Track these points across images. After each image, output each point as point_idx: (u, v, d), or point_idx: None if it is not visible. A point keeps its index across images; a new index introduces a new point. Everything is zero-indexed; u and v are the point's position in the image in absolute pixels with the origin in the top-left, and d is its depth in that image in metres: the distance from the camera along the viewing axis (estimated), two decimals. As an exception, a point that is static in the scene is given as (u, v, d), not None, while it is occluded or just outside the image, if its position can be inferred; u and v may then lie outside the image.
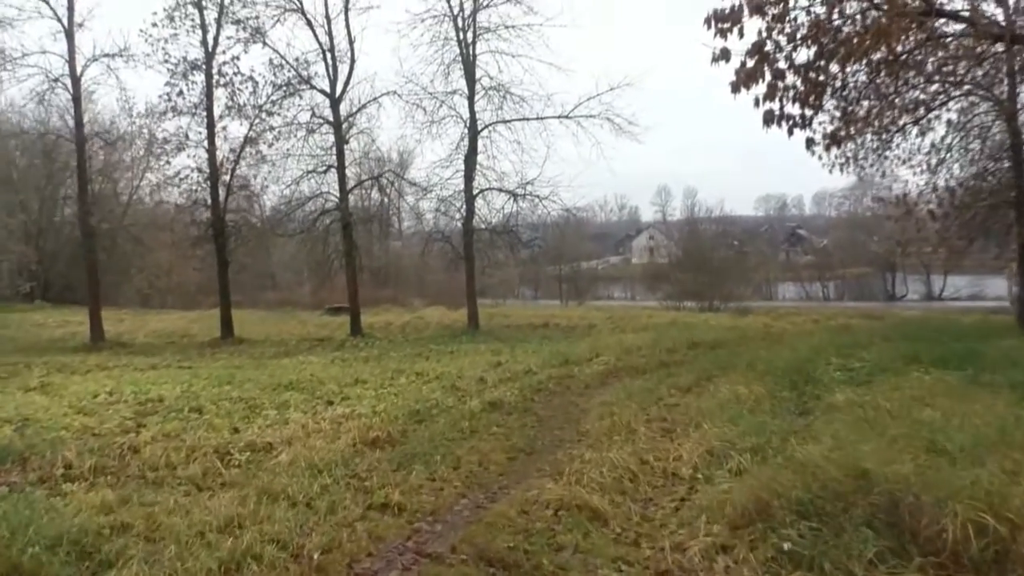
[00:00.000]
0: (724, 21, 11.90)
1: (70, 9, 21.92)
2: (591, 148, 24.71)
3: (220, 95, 23.77)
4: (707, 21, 11.87)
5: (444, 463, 7.04)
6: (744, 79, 12.35)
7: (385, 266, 47.00)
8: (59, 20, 21.93)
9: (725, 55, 11.87)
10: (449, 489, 6.36)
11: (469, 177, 25.12)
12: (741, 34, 11.91)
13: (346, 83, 24.23)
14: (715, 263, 42.61)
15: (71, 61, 22.29)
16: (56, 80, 22.35)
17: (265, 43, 23.56)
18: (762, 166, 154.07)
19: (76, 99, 22.59)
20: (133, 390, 11.78)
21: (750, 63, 12.37)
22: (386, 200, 30.29)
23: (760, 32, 12.42)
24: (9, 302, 38.25)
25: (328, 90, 24.13)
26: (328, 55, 24.01)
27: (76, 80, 22.45)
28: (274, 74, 23.77)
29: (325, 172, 24.63)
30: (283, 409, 9.93)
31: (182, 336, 25.63)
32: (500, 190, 25.54)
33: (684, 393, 10.07)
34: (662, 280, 46.82)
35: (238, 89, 23.74)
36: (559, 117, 24.89)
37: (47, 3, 21.85)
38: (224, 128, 24.05)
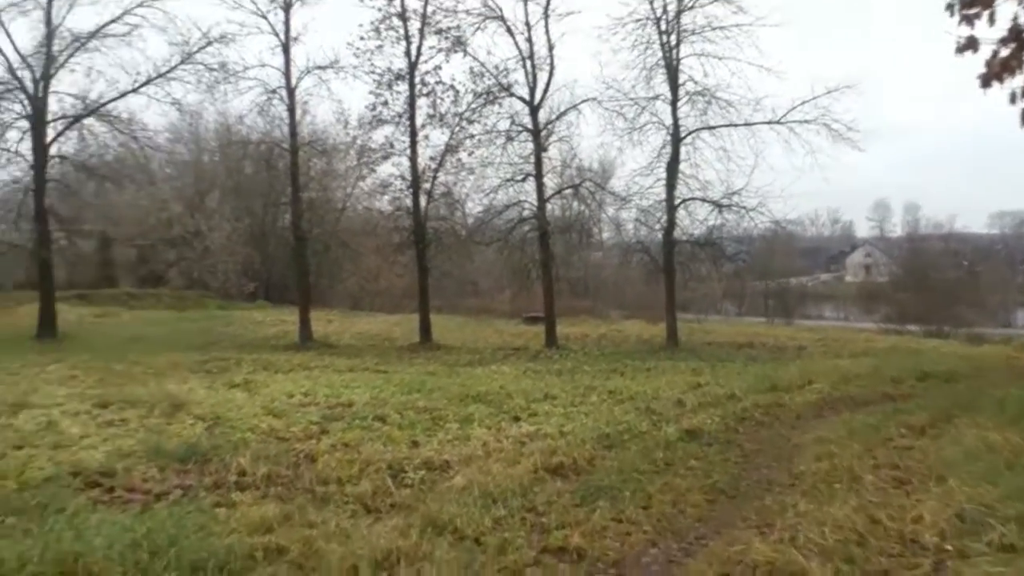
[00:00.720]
0: (971, 6, 10.35)
1: (286, 25, 23.28)
2: (804, 157, 22.91)
3: (422, 104, 24.33)
4: (949, 7, 10.37)
5: (633, 501, 6.19)
6: (998, 71, 10.66)
7: (583, 277, 46.56)
8: (277, 35, 23.35)
9: (972, 44, 10.34)
10: (637, 534, 5.51)
11: (671, 186, 24.08)
12: (992, 20, 10.33)
13: (545, 90, 23.98)
14: (942, 284, 38.87)
15: (287, 74, 23.58)
16: (273, 92, 23.69)
17: (466, 52, 23.78)
18: (994, 179, 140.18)
19: (291, 109, 23.81)
20: (326, 393, 11.80)
21: (1004, 52, 10.69)
22: (585, 210, 29.69)
23: (1016, 16, 10.72)
24: (234, 300, 41.19)
25: (527, 97, 23.94)
26: (527, 62, 23.86)
27: (291, 92, 23.68)
28: (474, 82, 24.00)
29: (523, 180, 24.46)
30: (467, 423, 9.46)
31: (384, 339, 26.28)
32: (704, 200, 24.32)
33: (918, 435, 8.59)
34: (880, 301, 43.48)
35: (440, 98, 24.19)
36: (769, 123, 23.38)
37: (267, 20, 23.21)
38: (426, 137, 24.53)
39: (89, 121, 24.37)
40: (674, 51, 23.87)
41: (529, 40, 23.86)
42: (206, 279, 42.67)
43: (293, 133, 24.33)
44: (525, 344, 24.15)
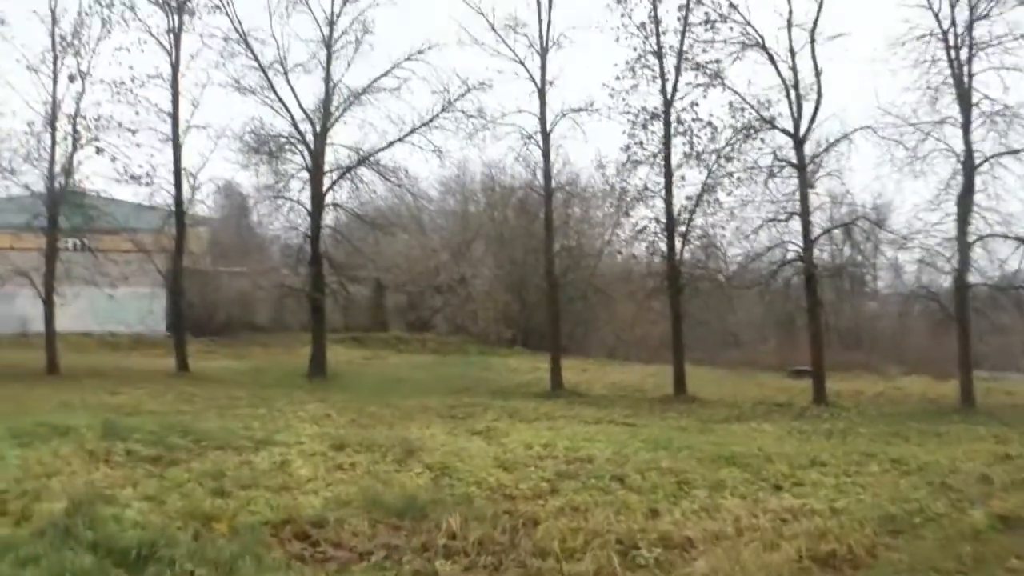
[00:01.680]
0: None
1: (542, 70, 23.48)
2: None
3: (677, 143, 23.31)
4: None
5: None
6: None
7: (856, 327, 42.62)
8: (533, 80, 23.51)
9: None
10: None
11: (963, 221, 20.96)
12: None
13: (811, 121, 22.00)
14: None
15: (542, 118, 23.62)
16: (529, 137, 23.81)
17: (724, 85, 22.45)
18: None
19: (546, 154, 23.87)
20: (567, 446, 10.95)
21: None
22: (858, 253, 26.99)
23: None
24: (493, 346, 42.00)
25: (791, 130, 22.08)
26: (791, 92, 22.02)
27: (546, 136, 23.72)
28: (733, 117, 22.63)
29: (787, 220, 22.50)
30: (717, 490, 8.15)
31: (635, 390, 25.22)
32: (1006, 237, 20.92)
33: None
34: None
35: (696, 136, 23.10)
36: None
37: (523, 66, 23.49)
38: (682, 177, 23.48)
39: (361, 171, 25.99)
40: (965, 67, 20.91)
41: (793, 68, 22.08)
42: (468, 325, 44.03)
43: (548, 177, 24.32)
44: (789, 400, 21.97)
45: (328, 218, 26.32)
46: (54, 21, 23.96)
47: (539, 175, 24.76)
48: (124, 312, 32.05)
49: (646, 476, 8.68)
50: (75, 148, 24.52)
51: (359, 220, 27.25)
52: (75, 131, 24.39)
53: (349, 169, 25.56)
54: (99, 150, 24.62)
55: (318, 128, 25.13)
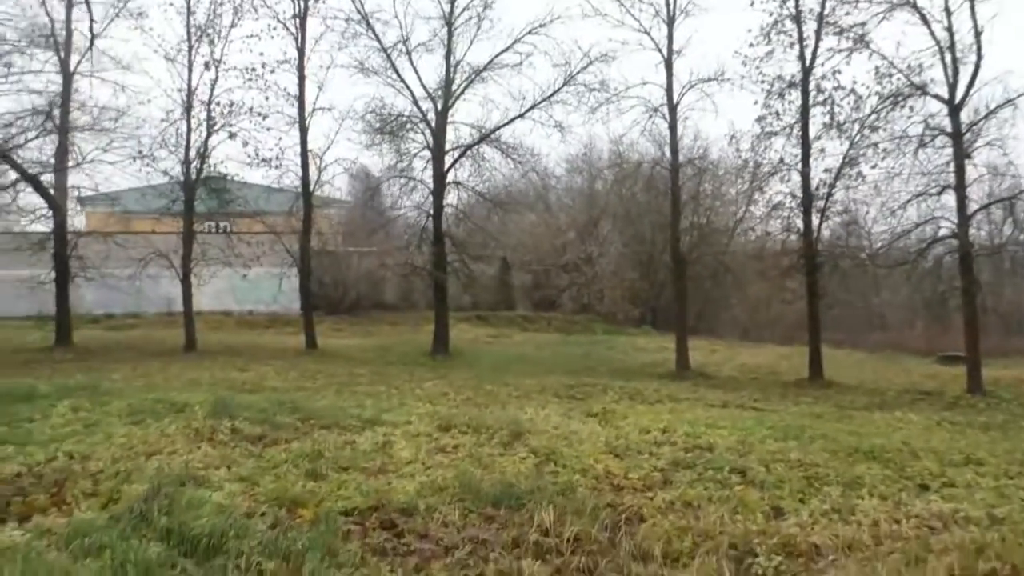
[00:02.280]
0: None
1: (669, 39, 22.41)
2: None
3: (816, 113, 21.67)
4: None
5: None
6: None
7: (1018, 311, 39.31)
8: (659, 51, 22.46)
9: None
10: None
11: None
12: None
13: (969, 86, 19.81)
14: None
15: (669, 89, 22.54)
16: (655, 110, 22.78)
17: (870, 50, 20.65)
18: None
19: (672, 127, 22.78)
20: (687, 431, 10.20)
21: None
22: (1021, 231, 24.60)
23: None
24: (620, 326, 41.19)
25: (946, 96, 20.13)
26: (946, 54, 20.00)
27: (672, 108, 22.63)
28: (879, 83, 20.70)
29: (939, 193, 20.54)
30: (852, 489, 7.26)
31: (768, 373, 23.95)
32: None
33: None
34: None
35: (838, 105, 21.36)
36: None
37: (649, 36, 22.48)
38: (821, 150, 21.84)
39: (483, 149, 25.73)
40: None
41: (948, 28, 20.01)
42: (594, 304, 43.35)
43: (674, 151, 23.27)
44: (940, 388, 20.23)
45: (451, 197, 26.23)
46: (189, 12, 24.81)
47: (666, 150, 23.71)
48: (259, 292, 33.20)
49: (771, 468, 7.89)
50: (209, 133, 25.32)
51: (481, 199, 26.93)
52: (210, 117, 25.18)
53: (470, 147, 25.32)
54: (232, 135, 25.35)
55: (439, 107, 24.98)
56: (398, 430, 9.19)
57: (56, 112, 24.02)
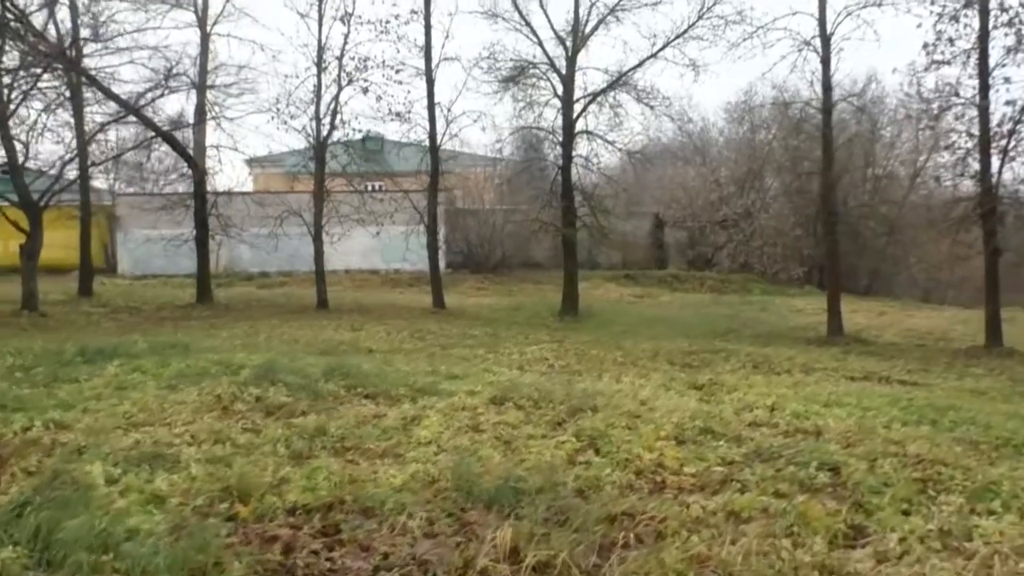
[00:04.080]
0: None
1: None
2: None
3: (997, 36, 18.45)
4: None
5: None
6: None
7: None
8: (810, -29, 19.80)
9: None
10: None
11: None
12: None
13: None
14: None
15: (821, 19, 19.92)
16: (806, 43, 20.21)
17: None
18: None
19: (825, 61, 20.14)
20: (796, 410, 8.51)
21: None
22: None
23: None
24: (781, 286, 38.33)
25: None
26: None
27: (826, 40, 20.01)
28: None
29: None
30: (980, 499, 5.44)
31: (938, 339, 21.13)
32: None
33: None
34: None
35: (1024, 24, 18.09)
36: None
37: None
38: (1006, 79, 18.63)
39: (620, 97, 24.00)
40: None
41: None
42: (753, 262, 40.52)
43: (827, 89, 20.60)
44: None
45: (583, 149, 24.63)
46: (318, -36, 24.40)
47: (818, 88, 21.04)
48: (405, 251, 33.01)
49: (877, 466, 6.14)
50: (341, 88, 25.02)
51: (615, 149, 25.17)
52: (341, 72, 24.86)
53: (599, 93, 23.56)
54: (365, 90, 24.93)
55: (569, 51, 23.39)
56: (443, 402, 8.09)
57: (193, 71, 24.47)
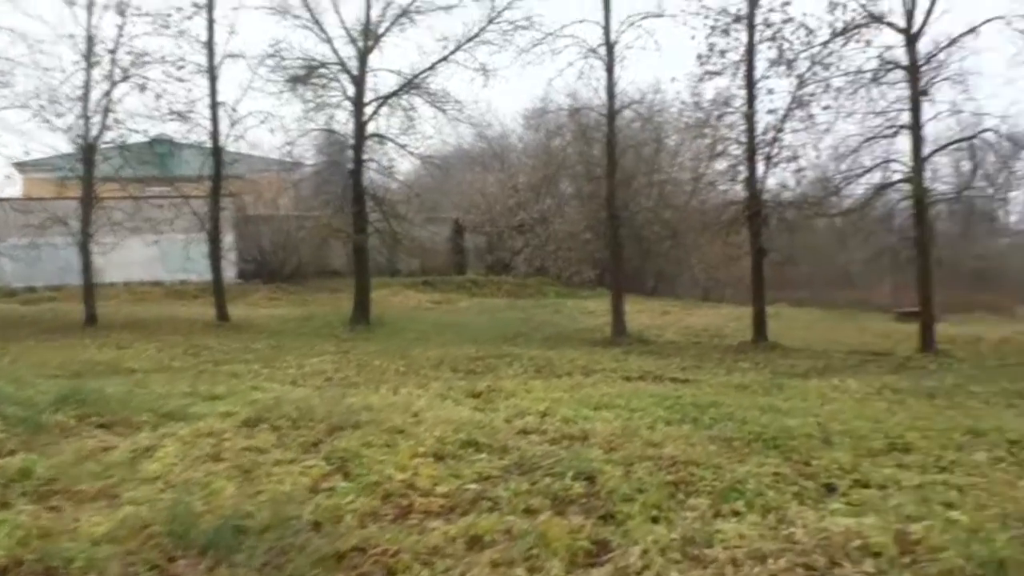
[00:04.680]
0: None
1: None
2: None
3: (763, 49, 19.82)
4: None
5: None
6: None
7: (984, 266, 37.92)
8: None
9: None
10: None
11: None
12: None
13: (928, 12, 18.05)
14: None
15: (606, 28, 20.64)
16: (593, 51, 20.83)
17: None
18: None
19: (609, 68, 20.90)
20: (568, 415, 8.45)
21: None
22: (985, 178, 22.90)
23: None
24: (575, 289, 39.42)
25: (903, 24, 18.25)
26: (905, -24, 18.14)
27: (610, 48, 20.74)
28: (832, 14, 18.89)
29: (894, 135, 18.82)
30: (724, 499, 5.47)
31: (713, 336, 22.37)
32: None
33: None
34: None
35: (787, 40, 19.53)
36: None
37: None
38: (769, 91, 20.06)
39: (414, 101, 23.67)
40: None
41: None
42: (548, 266, 41.49)
43: (611, 95, 21.36)
44: (891, 348, 18.68)
45: (374, 151, 24.04)
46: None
47: (602, 93, 21.73)
48: (189, 260, 31.02)
49: (631, 472, 6.07)
50: (112, 86, 23.05)
51: (401, 149, 24.77)
52: (114, 67, 22.90)
53: (391, 95, 23.13)
54: (142, 87, 23.11)
55: (361, 51, 22.78)
56: (187, 428, 7.32)
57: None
